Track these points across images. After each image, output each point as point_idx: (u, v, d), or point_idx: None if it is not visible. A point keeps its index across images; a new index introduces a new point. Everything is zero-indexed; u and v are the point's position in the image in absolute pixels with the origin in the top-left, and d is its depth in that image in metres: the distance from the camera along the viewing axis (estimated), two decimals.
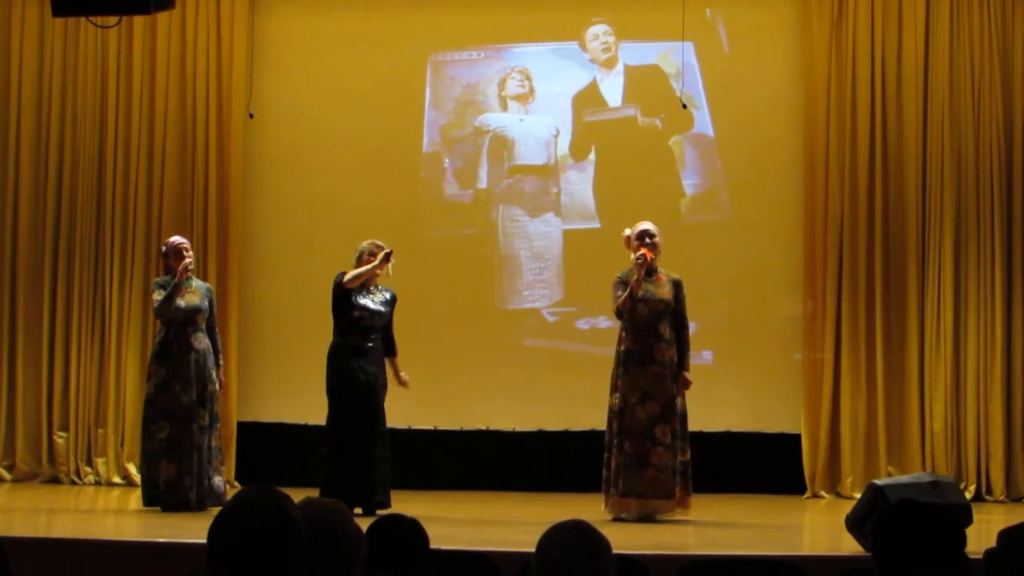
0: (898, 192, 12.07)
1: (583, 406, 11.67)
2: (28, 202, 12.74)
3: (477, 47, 12.88)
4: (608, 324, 11.19)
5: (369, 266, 10.01)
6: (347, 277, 10.05)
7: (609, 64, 12.80)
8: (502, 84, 12.88)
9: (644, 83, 12.71)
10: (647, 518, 9.64)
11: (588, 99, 12.78)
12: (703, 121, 12.53)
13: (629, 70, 12.77)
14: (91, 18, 10.21)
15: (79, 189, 12.68)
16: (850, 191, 12.08)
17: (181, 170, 12.67)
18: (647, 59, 12.73)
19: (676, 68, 12.36)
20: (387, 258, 10.01)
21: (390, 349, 10.30)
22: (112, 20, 10.54)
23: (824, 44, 12.18)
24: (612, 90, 12.79)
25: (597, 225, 12.59)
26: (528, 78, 12.85)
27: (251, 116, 12.34)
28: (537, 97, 12.84)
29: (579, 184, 12.71)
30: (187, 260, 10.24)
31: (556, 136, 12.76)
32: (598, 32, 12.78)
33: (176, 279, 10.19)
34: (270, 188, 12.84)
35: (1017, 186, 12.00)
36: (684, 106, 12.01)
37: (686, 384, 9.86)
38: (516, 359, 12.57)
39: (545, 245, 12.71)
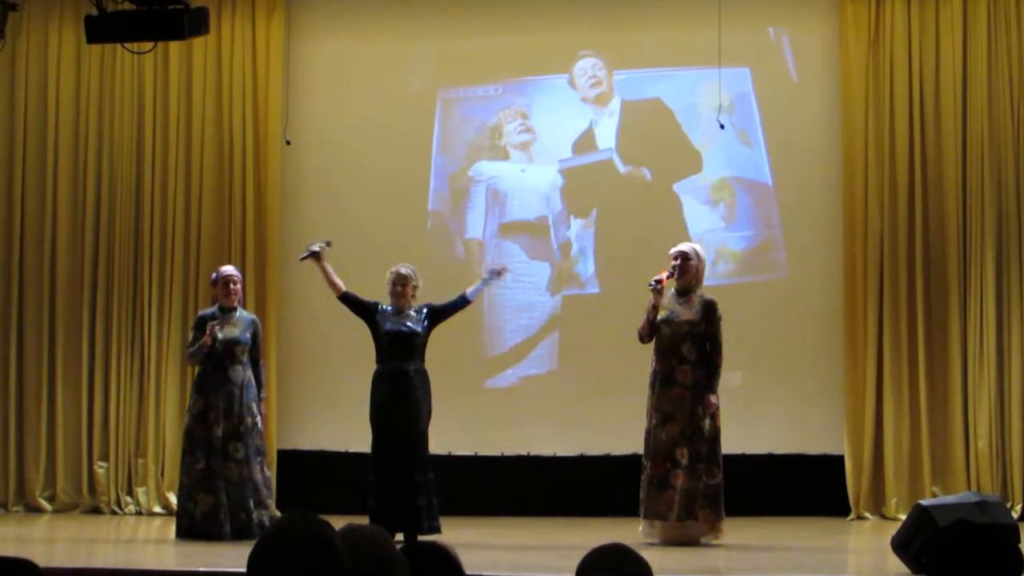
0: (938, 210, 11.98)
1: (625, 430, 11.59)
2: (66, 230, 12.77)
3: (492, 83, 12.87)
4: None
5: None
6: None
7: (603, 101, 12.72)
8: (499, 128, 12.79)
9: (656, 123, 12.64)
10: (684, 542, 9.51)
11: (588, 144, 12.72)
12: (724, 146, 12.43)
13: (638, 108, 12.66)
14: (126, 44, 10.22)
15: (117, 217, 12.71)
16: (890, 209, 12.00)
17: (218, 198, 12.69)
18: (668, 92, 12.62)
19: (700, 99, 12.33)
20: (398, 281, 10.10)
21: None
22: (147, 46, 10.54)
23: (861, 63, 12.11)
24: (625, 133, 12.67)
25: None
26: (525, 119, 12.77)
27: (288, 143, 12.37)
28: (541, 141, 12.73)
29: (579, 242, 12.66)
30: (215, 329, 10.19)
31: (559, 188, 12.67)
32: (619, 74, 12.68)
33: (202, 343, 10.17)
34: (306, 214, 12.82)
35: None
36: (722, 126, 11.95)
37: (708, 406, 9.70)
38: (556, 383, 12.52)
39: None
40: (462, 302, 10.20)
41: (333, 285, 10.22)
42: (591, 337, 12.42)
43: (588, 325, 12.44)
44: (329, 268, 10.22)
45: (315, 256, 10.20)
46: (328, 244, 10.33)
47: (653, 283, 9.77)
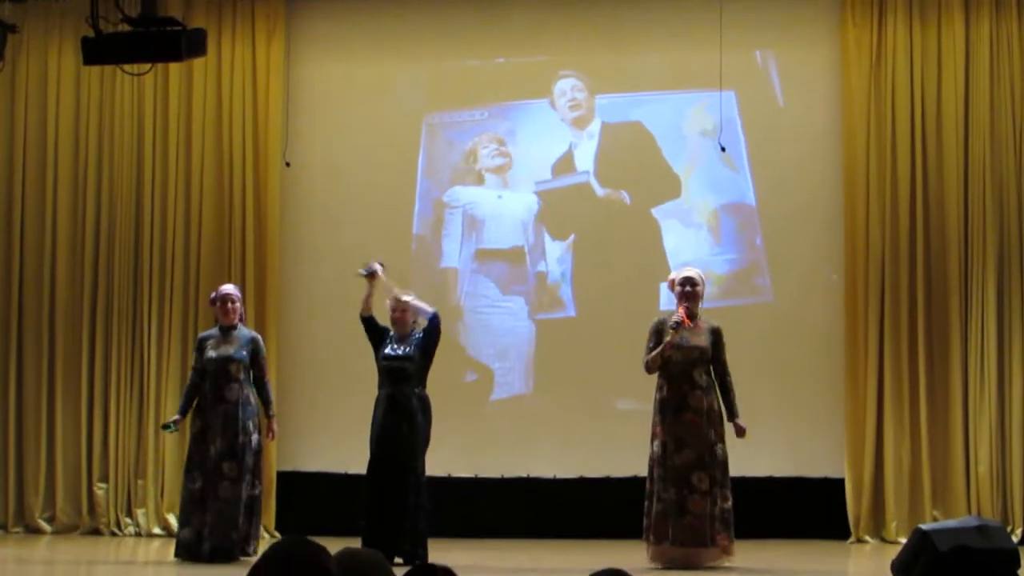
0: (940, 233, 11.96)
1: (625, 453, 11.56)
2: (65, 250, 12.76)
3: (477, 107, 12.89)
4: None
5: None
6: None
7: (582, 123, 12.71)
8: (474, 153, 12.77)
9: (638, 148, 12.63)
10: (689, 566, 9.49)
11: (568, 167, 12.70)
12: (708, 169, 12.41)
13: (618, 131, 12.64)
14: (124, 66, 10.20)
15: (116, 238, 12.69)
16: (891, 231, 11.98)
17: (218, 219, 12.67)
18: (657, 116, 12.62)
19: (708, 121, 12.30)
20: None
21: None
22: (145, 68, 10.53)
23: (863, 85, 12.10)
24: (603, 156, 12.65)
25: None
26: (503, 144, 12.77)
27: (287, 165, 12.35)
28: (522, 166, 12.72)
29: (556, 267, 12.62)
30: (172, 428, 10.29)
31: (536, 213, 12.64)
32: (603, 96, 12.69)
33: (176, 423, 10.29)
34: (306, 236, 12.80)
35: None
36: (723, 149, 11.92)
37: (740, 432, 9.73)
38: (556, 406, 12.48)
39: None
40: (432, 319, 10.12)
41: (366, 305, 10.14)
42: (572, 360, 12.42)
43: (568, 347, 12.42)
44: (373, 291, 10.17)
45: (372, 276, 10.15)
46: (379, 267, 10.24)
47: (675, 324, 9.66)
